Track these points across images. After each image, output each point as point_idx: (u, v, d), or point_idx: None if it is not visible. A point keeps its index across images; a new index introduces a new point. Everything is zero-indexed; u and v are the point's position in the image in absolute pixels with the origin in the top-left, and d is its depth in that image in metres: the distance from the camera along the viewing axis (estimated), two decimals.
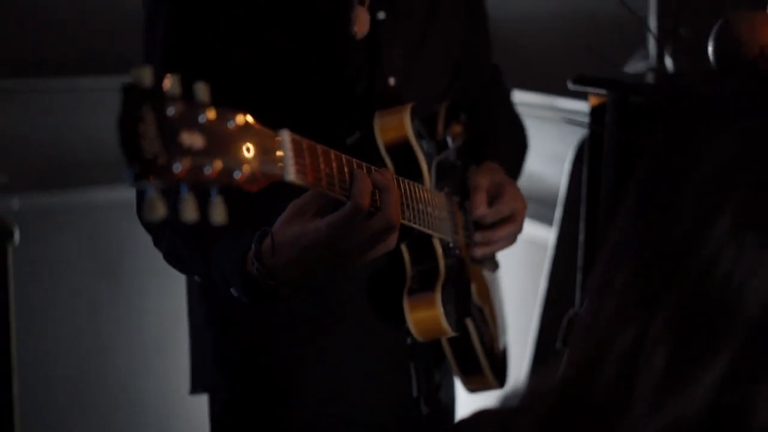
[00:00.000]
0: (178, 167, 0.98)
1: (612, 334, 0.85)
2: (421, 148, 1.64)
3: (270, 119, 1.18)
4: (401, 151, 1.62)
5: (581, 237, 2.07)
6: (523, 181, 2.15)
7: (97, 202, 3.22)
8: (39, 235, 3.15)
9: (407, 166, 1.62)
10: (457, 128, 1.83)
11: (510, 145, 2.03)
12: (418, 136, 1.64)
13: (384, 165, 1.60)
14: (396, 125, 1.62)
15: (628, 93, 1.98)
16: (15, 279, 2.55)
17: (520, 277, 2.94)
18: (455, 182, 1.78)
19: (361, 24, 1.68)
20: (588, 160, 2.05)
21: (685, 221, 0.83)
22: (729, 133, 0.85)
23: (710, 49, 1.99)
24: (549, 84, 2.94)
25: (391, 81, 1.73)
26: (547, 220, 2.74)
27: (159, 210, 0.97)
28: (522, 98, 3.08)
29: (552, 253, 2.57)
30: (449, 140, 1.80)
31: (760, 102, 0.87)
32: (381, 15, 1.71)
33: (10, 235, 2.63)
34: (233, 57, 1.62)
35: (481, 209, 1.75)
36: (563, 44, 3.03)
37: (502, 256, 2.08)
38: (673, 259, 0.83)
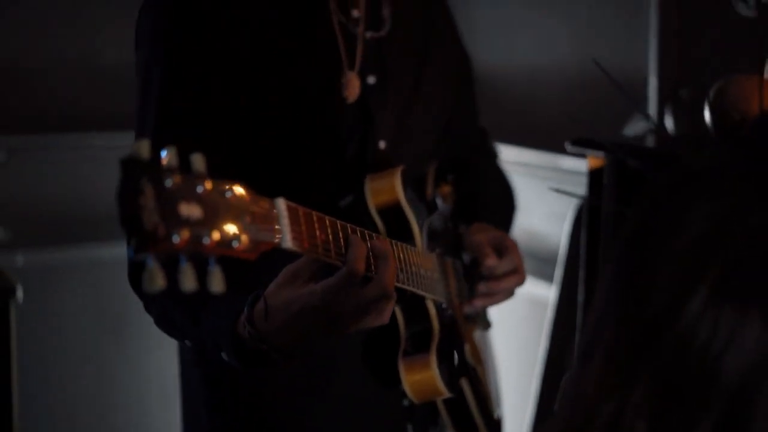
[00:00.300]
0: (177, 238, 1.01)
1: (594, 405, 0.86)
2: (412, 210, 1.67)
3: (262, 183, 1.21)
4: (393, 214, 1.65)
5: (580, 298, 2.09)
6: (524, 239, 2.17)
7: (101, 258, 3.25)
8: (43, 292, 3.18)
9: (399, 229, 1.64)
10: (446, 189, 1.87)
11: (499, 205, 2.06)
12: (409, 198, 1.67)
13: (376, 228, 1.63)
14: (387, 189, 1.65)
15: (626, 156, 2.02)
16: (18, 335, 2.58)
17: (522, 336, 2.96)
18: (446, 243, 1.81)
19: (352, 89, 1.72)
20: (586, 222, 2.08)
21: (663, 292, 0.84)
22: (708, 204, 0.86)
23: (706, 113, 2.03)
24: (551, 142, 2.97)
25: (382, 144, 1.76)
26: (548, 278, 2.76)
27: (159, 281, 0.99)
28: (523, 156, 3.12)
29: (552, 313, 2.59)
30: (439, 201, 1.84)
31: (739, 173, 0.89)
32: (371, 79, 1.76)
33: (13, 292, 2.66)
34: (225, 121, 1.66)
35: (492, 259, 1.78)
36: (565, 102, 3.07)
37: (503, 314, 2.10)
38: (650, 330, 0.85)
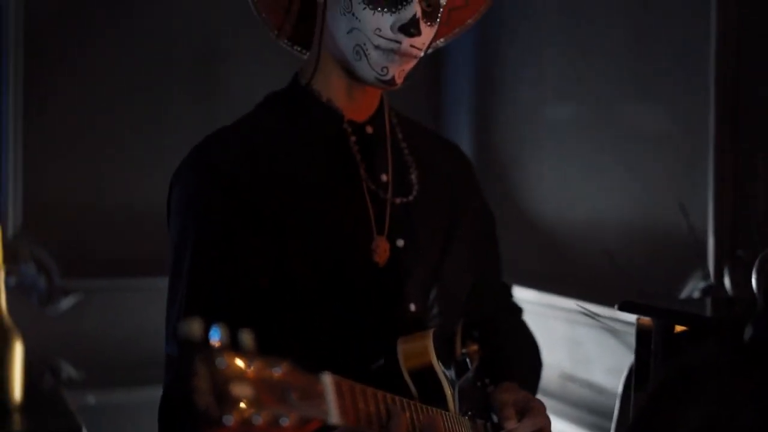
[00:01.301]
0: (229, 419, 1.08)
1: None
2: (444, 373, 1.73)
3: (294, 345, 1.27)
4: (425, 377, 1.70)
5: None
6: (585, 392, 2.19)
7: None
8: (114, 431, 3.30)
9: (431, 392, 1.69)
10: (474, 348, 1.90)
11: (525, 363, 2.09)
12: (440, 360, 1.72)
13: (409, 391, 1.68)
14: (419, 352, 1.71)
15: (674, 322, 2.09)
16: None
17: None
18: (477, 404, 1.85)
19: (382, 253, 1.81)
20: (634, 386, 2.13)
21: None
22: (702, 403, 0.95)
23: (753, 279, 2.10)
24: (613, 294, 3.05)
25: (412, 307, 1.83)
26: None
27: None
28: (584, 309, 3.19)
29: None
30: (467, 360, 1.89)
31: (734, 371, 0.97)
32: (400, 243, 1.84)
33: None
34: (257, 288, 1.72)
35: (512, 423, 1.80)
36: (627, 254, 3.14)
37: None
38: None
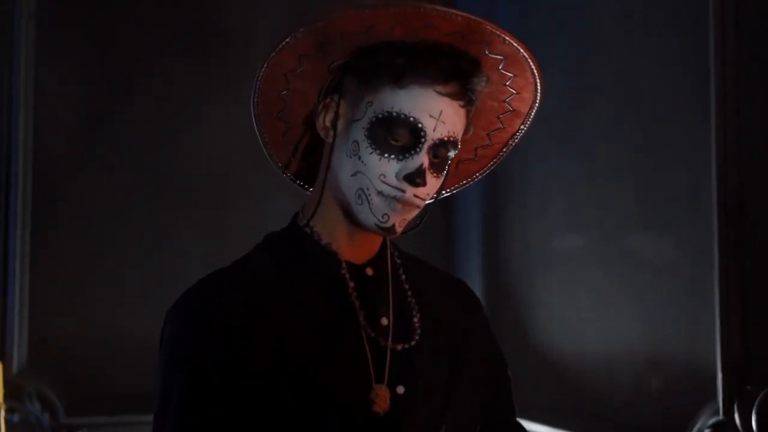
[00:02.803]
0: None
1: None
2: None
3: None
4: None
5: None
6: None
7: None
8: None
9: None
10: None
11: None
12: None
13: None
14: None
15: None
16: None
17: None
18: None
19: (381, 402, 1.77)
20: None
21: None
22: None
23: (753, 421, 2.10)
24: (625, 428, 3.04)
25: None
26: None
27: None
28: None
29: None
30: None
31: None
32: (400, 390, 1.80)
33: None
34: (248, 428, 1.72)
35: None
36: (636, 388, 3.14)
37: None
38: None
